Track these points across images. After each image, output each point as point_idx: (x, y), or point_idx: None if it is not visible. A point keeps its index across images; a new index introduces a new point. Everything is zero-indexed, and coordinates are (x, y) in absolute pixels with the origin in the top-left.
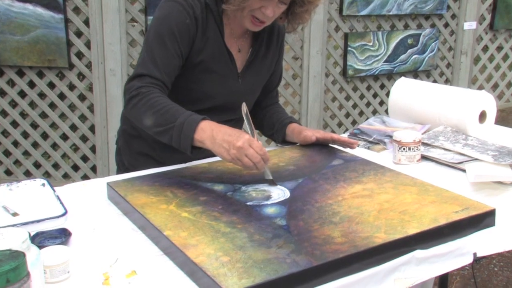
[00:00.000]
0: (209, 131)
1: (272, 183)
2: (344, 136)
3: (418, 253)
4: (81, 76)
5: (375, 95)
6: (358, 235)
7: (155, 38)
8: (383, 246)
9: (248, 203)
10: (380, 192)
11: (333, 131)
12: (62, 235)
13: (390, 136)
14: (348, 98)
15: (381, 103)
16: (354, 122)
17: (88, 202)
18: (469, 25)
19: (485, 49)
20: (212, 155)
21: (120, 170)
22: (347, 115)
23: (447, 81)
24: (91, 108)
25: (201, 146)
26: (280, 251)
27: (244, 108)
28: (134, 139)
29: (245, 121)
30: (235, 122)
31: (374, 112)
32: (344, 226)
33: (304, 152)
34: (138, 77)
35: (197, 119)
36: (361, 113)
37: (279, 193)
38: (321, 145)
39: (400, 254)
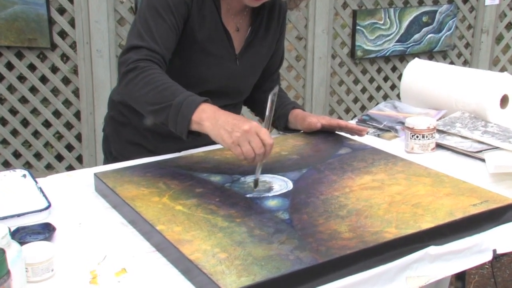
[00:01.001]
0: (210, 112)
1: (255, 184)
2: (352, 122)
3: (432, 250)
4: (64, 58)
5: (386, 78)
6: (367, 230)
7: (148, 9)
8: (394, 242)
9: (247, 195)
10: (391, 184)
11: (340, 118)
12: (45, 230)
13: (402, 123)
14: (356, 81)
15: (393, 87)
16: (363, 108)
17: (73, 194)
18: (491, 0)
19: (509, 26)
20: (209, 143)
21: (107, 160)
22: (356, 100)
23: (465, 63)
24: (76, 92)
25: (198, 129)
26: (283, 247)
27: (274, 93)
28: (123, 127)
29: (267, 108)
30: (232, 108)
31: (385, 97)
32: (352, 220)
33: (308, 140)
34: (134, 49)
35: (198, 100)
36: (370, 98)
37: (282, 184)
38: (327, 133)
39: (413, 251)
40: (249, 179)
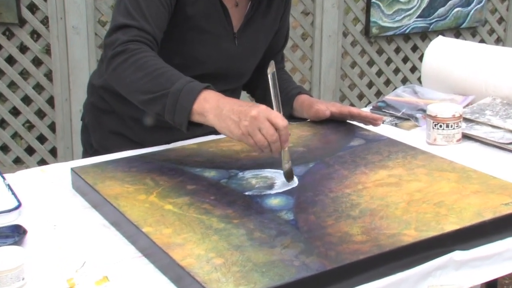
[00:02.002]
0: (214, 102)
1: (289, 175)
2: (366, 110)
3: (457, 255)
4: (35, 35)
5: (405, 59)
6: (383, 232)
7: None
8: (413, 246)
9: (246, 193)
10: (410, 179)
11: (352, 105)
12: (14, 233)
13: (424, 110)
14: (371, 63)
15: (413, 69)
16: (378, 93)
17: (47, 192)
18: None
19: None
20: (204, 134)
21: (87, 153)
22: (370, 84)
23: (498, 41)
24: (48, 75)
25: (201, 120)
26: (286, 251)
27: (271, 68)
28: (105, 115)
29: (270, 86)
30: (230, 93)
31: (404, 81)
32: (365, 221)
33: (316, 130)
34: (122, 28)
35: (198, 87)
36: (387, 82)
37: (285, 180)
38: (337, 122)
39: (435, 256)
40: (248, 174)
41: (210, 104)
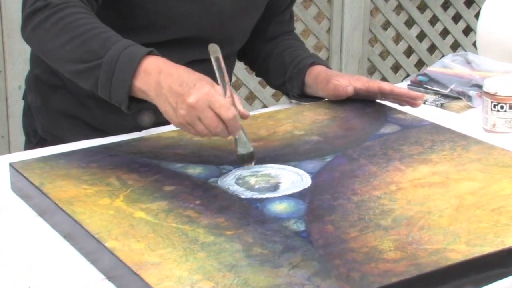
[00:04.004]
0: (154, 75)
1: (247, 159)
2: (402, 86)
3: None
4: None
5: (456, 17)
6: (423, 248)
7: None
8: (464, 266)
9: (243, 196)
10: (460, 178)
11: (384, 79)
12: None
13: (480, 86)
14: (410, 22)
15: (466, 30)
16: (419, 64)
17: None
18: None
19: None
20: None
21: (30, 142)
22: (408, 51)
23: None
24: None
25: (144, 97)
26: (296, 272)
27: (214, 50)
28: (54, 92)
29: (214, 67)
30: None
31: (454, 47)
32: (400, 233)
33: (335, 113)
34: None
35: (138, 53)
36: (431, 48)
37: (294, 179)
38: (363, 102)
39: (494, 279)
40: (245, 171)
41: (151, 78)
